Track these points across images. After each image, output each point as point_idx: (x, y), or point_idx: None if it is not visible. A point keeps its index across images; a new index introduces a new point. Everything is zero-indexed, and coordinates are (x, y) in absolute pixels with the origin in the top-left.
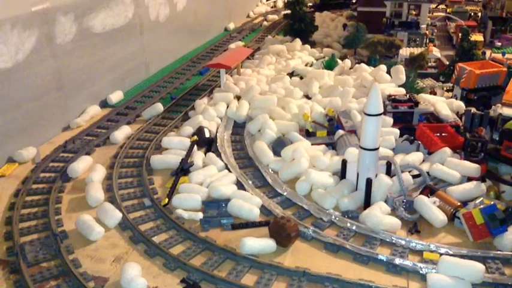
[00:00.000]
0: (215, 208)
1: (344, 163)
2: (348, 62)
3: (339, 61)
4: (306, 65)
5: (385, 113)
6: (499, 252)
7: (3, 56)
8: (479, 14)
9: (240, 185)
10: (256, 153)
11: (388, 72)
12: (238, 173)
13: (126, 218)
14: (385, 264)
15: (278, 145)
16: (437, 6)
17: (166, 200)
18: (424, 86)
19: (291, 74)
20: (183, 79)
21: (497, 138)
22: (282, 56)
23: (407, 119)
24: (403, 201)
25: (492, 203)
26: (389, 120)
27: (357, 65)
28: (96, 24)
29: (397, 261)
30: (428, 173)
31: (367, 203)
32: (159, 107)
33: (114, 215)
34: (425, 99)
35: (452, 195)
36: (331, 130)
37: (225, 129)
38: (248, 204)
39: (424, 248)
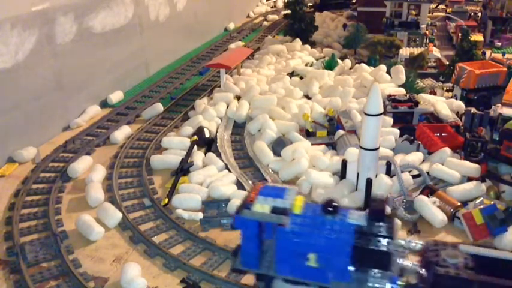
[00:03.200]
0: (215, 208)
1: (344, 163)
2: (348, 62)
3: (339, 61)
4: (306, 65)
5: (385, 113)
6: None
7: (3, 56)
8: (479, 14)
9: (240, 185)
10: (256, 153)
11: (388, 72)
12: (238, 173)
13: (126, 218)
14: None
15: (278, 145)
16: (437, 6)
17: (166, 200)
18: (424, 86)
19: (291, 74)
20: (183, 79)
21: (497, 138)
22: (282, 56)
23: (407, 119)
24: (403, 201)
25: (492, 203)
26: (390, 120)
27: (357, 65)
28: (96, 24)
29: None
30: (428, 173)
31: (367, 203)
32: (159, 107)
33: (114, 215)
34: (425, 99)
35: (452, 195)
36: (331, 130)
37: (225, 129)
38: None
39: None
